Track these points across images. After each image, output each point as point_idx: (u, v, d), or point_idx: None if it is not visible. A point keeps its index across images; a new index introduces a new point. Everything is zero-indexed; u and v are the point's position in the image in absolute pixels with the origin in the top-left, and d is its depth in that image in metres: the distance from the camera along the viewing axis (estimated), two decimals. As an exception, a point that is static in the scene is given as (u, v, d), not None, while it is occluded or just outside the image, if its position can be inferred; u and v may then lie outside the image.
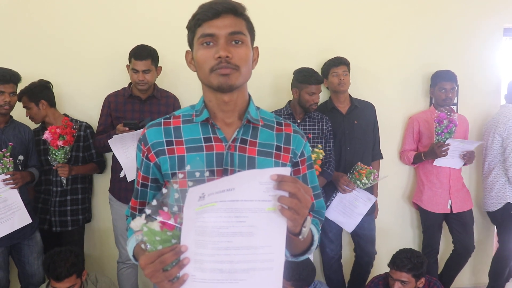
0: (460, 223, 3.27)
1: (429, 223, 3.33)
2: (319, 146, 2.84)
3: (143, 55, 2.76)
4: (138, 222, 0.94)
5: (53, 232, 2.97)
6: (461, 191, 3.29)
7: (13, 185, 2.58)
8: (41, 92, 2.88)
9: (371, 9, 3.40)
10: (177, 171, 1.15)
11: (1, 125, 2.68)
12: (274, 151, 1.23)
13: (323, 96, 3.36)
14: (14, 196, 2.60)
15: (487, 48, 3.55)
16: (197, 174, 1.00)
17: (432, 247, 3.28)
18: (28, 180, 2.71)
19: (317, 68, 3.29)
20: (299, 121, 3.00)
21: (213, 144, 1.19)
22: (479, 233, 3.63)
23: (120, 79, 3.03)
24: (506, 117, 3.18)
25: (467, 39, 3.52)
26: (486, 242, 3.70)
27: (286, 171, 0.95)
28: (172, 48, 3.09)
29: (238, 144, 1.20)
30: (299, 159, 1.28)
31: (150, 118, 2.70)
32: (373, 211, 3.19)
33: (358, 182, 2.94)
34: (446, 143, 3.00)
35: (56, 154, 2.72)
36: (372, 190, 3.13)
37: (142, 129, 2.63)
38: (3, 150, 2.57)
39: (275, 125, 1.27)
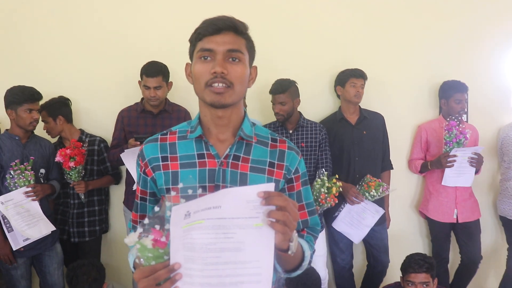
0: (466, 234, 3.25)
1: (436, 232, 3.33)
2: (335, 177, 2.84)
3: (154, 72, 2.83)
4: (131, 238, 0.96)
5: (71, 243, 3.07)
6: (469, 200, 3.25)
7: (34, 197, 2.70)
8: (59, 108, 3.00)
9: (379, 20, 3.42)
10: (170, 187, 1.20)
11: (24, 140, 2.79)
12: (267, 168, 1.24)
13: (333, 106, 3.41)
14: (35, 207, 2.72)
15: (496, 55, 3.53)
16: (190, 191, 1.02)
17: (441, 256, 3.27)
18: (48, 193, 2.83)
19: (330, 80, 3.35)
20: (291, 131, 3.01)
21: (206, 161, 1.22)
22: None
23: (134, 94, 3.11)
24: None
25: (476, 47, 3.51)
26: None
27: (270, 186, 0.96)
28: (184, 64, 3.18)
29: (230, 161, 1.22)
30: (293, 176, 1.29)
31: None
32: (384, 221, 3.19)
33: (367, 194, 2.94)
34: (451, 153, 2.98)
35: (70, 174, 2.83)
36: (383, 200, 3.13)
37: None
38: (24, 164, 2.68)
39: (270, 142, 1.29)
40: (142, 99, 3.01)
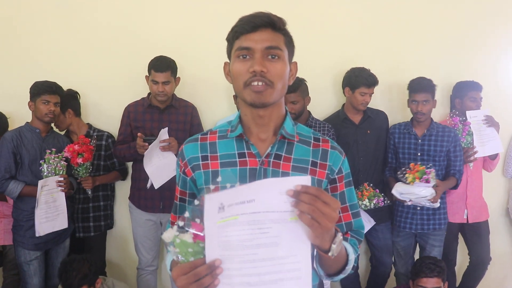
0: (475, 234, 3.21)
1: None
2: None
3: (163, 67, 2.83)
4: (170, 234, 0.94)
5: (76, 238, 3.07)
6: (479, 201, 3.23)
7: (63, 189, 2.72)
8: (68, 102, 3.01)
9: (387, 17, 3.38)
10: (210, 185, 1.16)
11: (43, 134, 2.83)
12: (309, 167, 1.21)
13: (336, 103, 3.38)
14: (61, 199, 2.75)
15: (507, 56, 3.49)
16: (228, 185, 0.98)
17: (449, 258, 3.21)
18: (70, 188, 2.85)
19: (333, 77, 3.32)
20: None
21: (246, 160, 1.19)
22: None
23: (142, 89, 3.11)
24: None
25: (487, 48, 3.46)
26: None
27: (306, 180, 0.93)
28: (191, 60, 3.19)
29: (271, 160, 1.19)
30: (336, 176, 1.25)
31: (167, 128, 2.78)
32: (387, 219, 3.14)
33: (360, 203, 2.86)
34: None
35: (78, 170, 2.83)
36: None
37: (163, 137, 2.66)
38: (59, 154, 2.72)
39: (312, 141, 1.25)
40: (149, 94, 3.01)
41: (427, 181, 2.73)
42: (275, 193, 0.92)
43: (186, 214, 0.95)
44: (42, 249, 2.83)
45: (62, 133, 3.12)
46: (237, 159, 1.20)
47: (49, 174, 2.69)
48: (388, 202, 2.94)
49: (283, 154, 1.21)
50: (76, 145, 2.78)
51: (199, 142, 1.25)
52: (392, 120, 3.27)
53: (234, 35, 1.16)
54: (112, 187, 3.28)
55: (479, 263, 3.22)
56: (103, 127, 3.21)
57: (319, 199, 0.91)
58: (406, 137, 3.05)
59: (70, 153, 2.77)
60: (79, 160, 2.77)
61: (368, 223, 2.96)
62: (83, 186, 2.93)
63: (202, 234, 0.93)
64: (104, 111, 3.30)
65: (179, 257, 0.95)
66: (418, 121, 3.02)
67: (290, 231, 0.94)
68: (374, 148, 3.10)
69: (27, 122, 2.84)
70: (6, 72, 3.23)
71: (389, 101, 3.42)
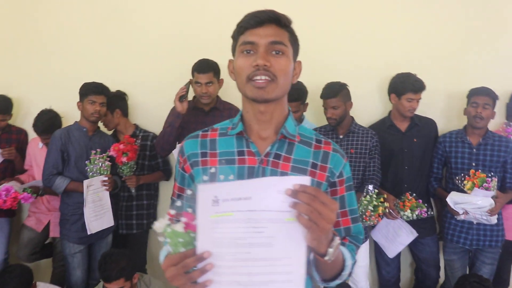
0: None
1: None
2: (383, 196, 2.74)
3: (205, 68, 2.86)
4: (161, 223, 0.94)
5: (119, 234, 3.16)
6: None
7: (107, 188, 2.84)
8: (117, 102, 3.12)
9: (442, 22, 3.24)
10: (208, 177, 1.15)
11: (90, 133, 2.94)
12: (309, 168, 1.18)
13: (382, 109, 3.28)
14: (106, 198, 2.88)
15: None
16: (222, 177, 0.99)
17: (502, 277, 3.01)
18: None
19: (380, 81, 3.22)
20: (341, 136, 2.88)
21: (245, 158, 1.18)
22: None
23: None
24: None
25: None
26: None
27: (306, 180, 0.91)
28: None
29: (271, 159, 1.18)
30: (337, 179, 1.22)
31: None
32: (434, 232, 3.00)
33: (402, 213, 2.77)
34: None
35: (122, 168, 2.92)
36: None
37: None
38: (103, 154, 2.84)
39: (314, 142, 1.23)
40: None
41: (487, 190, 2.57)
42: (273, 192, 0.90)
43: (178, 204, 0.94)
44: (86, 243, 2.93)
45: (110, 132, 3.22)
46: (236, 157, 1.18)
47: (94, 174, 2.80)
48: (432, 213, 2.82)
49: (283, 154, 1.19)
50: (121, 145, 2.87)
51: (199, 139, 1.24)
52: (443, 129, 3.12)
53: (239, 30, 1.16)
54: (156, 187, 3.34)
55: None
56: (149, 128, 3.28)
57: (317, 199, 0.89)
58: (460, 146, 2.89)
59: (115, 152, 2.86)
60: (124, 159, 2.85)
61: (410, 234, 2.86)
62: (127, 184, 3.01)
63: (193, 223, 0.92)
64: (151, 112, 3.38)
65: (170, 249, 0.94)
66: (474, 127, 2.84)
67: (286, 232, 0.91)
68: (420, 157, 2.96)
69: (76, 121, 2.96)
70: (61, 74, 3.40)
71: (439, 109, 3.26)
